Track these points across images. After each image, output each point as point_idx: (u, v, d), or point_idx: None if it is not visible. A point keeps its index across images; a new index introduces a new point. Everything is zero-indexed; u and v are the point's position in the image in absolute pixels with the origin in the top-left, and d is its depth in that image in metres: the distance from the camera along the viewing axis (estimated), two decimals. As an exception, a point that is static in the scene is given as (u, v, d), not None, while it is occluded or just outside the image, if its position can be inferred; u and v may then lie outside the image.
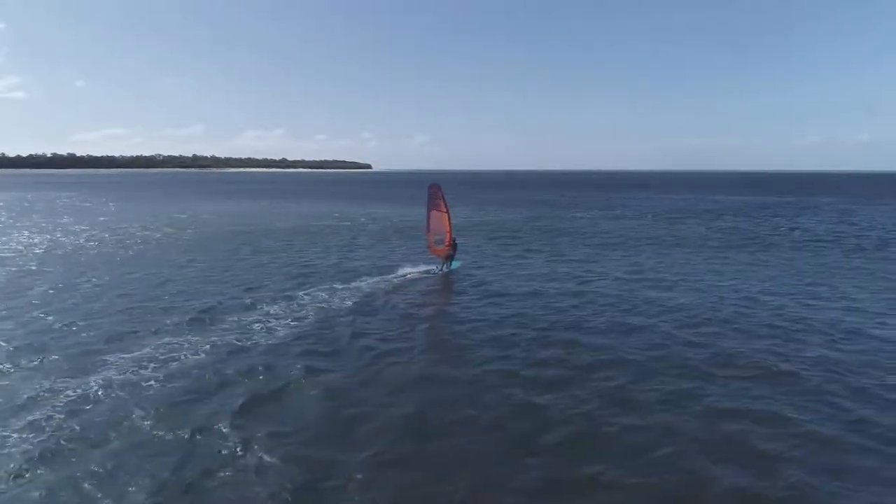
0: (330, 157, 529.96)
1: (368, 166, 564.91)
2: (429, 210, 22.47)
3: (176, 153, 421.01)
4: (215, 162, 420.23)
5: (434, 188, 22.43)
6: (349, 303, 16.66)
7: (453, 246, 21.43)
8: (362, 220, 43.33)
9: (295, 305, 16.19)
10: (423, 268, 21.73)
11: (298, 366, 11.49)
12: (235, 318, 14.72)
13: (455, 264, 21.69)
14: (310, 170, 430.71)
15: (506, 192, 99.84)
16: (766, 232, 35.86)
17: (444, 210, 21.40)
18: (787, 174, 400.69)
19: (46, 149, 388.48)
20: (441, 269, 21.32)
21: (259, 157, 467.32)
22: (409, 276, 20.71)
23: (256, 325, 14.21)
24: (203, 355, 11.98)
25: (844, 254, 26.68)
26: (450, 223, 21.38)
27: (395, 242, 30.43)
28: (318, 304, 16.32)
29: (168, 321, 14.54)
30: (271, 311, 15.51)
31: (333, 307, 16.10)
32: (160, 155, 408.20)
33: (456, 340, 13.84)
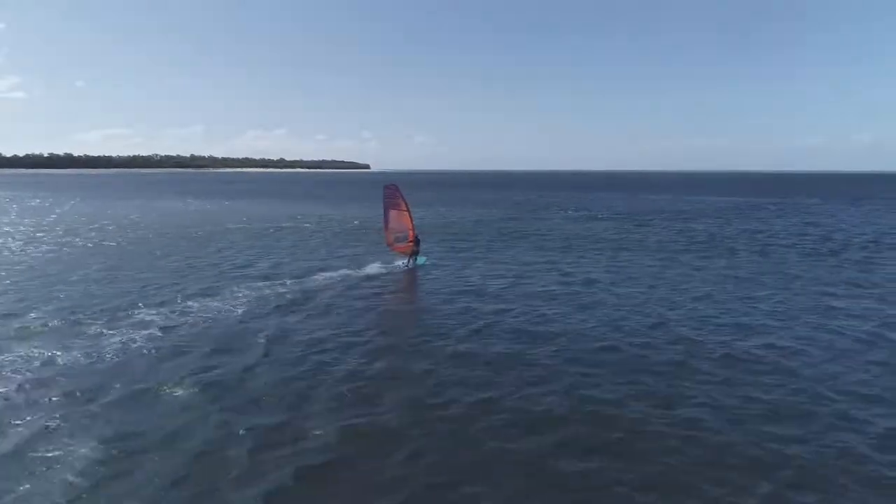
0: (330, 158, 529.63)
1: (367, 166, 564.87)
2: (387, 209, 23.64)
3: (176, 153, 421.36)
4: (213, 162, 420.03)
5: (391, 188, 23.68)
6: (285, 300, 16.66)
7: (416, 242, 22.64)
8: (331, 220, 42.72)
9: (185, 310, 15.48)
10: (375, 266, 22.50)
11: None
12: (109, 326, 13.95)
13: (421, 260, 23.02)
14: (307, 170, 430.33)
15: (491, 192, 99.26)
16: (732, 234, 35.05)
17: (405, 209, 22.75)
18: (786, 175, 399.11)
19: (47, 149, 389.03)
20: (407, 265, 22.57)
21: (257, 157, 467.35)
22: (370, 272, 21.49)
23: (142, 332, 13.49)
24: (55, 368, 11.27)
25: (796, 258, 25.85)
26: (412, 220, 22.78)
27: (355, 243, 29.76)
28: (211, 311, 15.61)
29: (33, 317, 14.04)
30: (156, 318, 14.78)
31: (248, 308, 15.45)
32: (157, 155, 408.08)
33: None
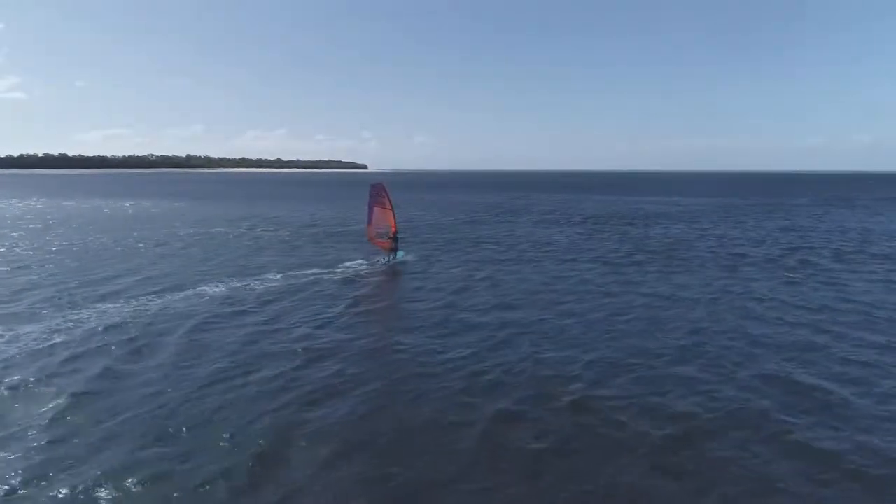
0: (329, 158, 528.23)
1: (364, 166, 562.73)
2: (371, 206, 24.84)
3: (175, 153, 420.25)
4: (208, 162, 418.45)
5: (378, 187, 24.76)
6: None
7: (395, 238, 23.67)
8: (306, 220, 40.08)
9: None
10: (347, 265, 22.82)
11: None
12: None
13: (400, 255, 23.94)
14: (304, 170, 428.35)
15: (475, 194, 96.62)
16: (687, 239, 32.33)
17: (389, 207, 23.71)
18: (784, 174, 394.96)
19: (47, 149, 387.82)
20: (388, 260, 23.58)
21: (254, 157, 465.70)
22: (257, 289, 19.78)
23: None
24: None
25: (716, 270, 23.09)
26: (394, 218, 23.75)
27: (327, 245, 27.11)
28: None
29: None
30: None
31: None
32: (153, 155, 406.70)
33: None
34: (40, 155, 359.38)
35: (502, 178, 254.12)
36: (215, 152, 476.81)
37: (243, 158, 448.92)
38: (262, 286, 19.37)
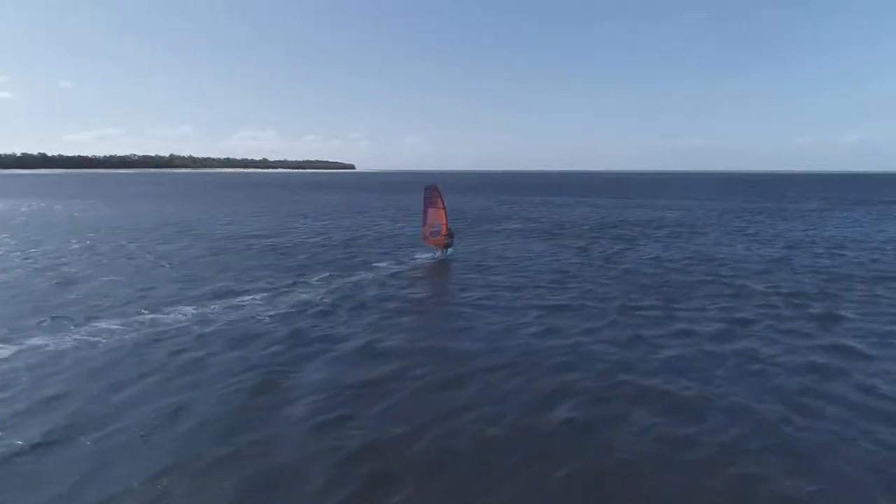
0: (320, 158, 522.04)
1: (352, 167, 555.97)
2: (426, 207, 25.65)
3: (162, 153, 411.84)
4: (192, 162, 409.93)
5: (431, 188, 25.60)
6: None
7: (450, 234, 24.84)
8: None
9: None
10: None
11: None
12: None
13: (450, 252, 24.96)
14: (289, 170, 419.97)
15: (456, 196, 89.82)
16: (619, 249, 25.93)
17: (441, 206, 24.67)
18: (769, 175, 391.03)
19: (37, 149, 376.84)
20: (438, 255, 24.79)
21: (244, 157, 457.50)
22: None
23: None
24: None
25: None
26: (446, 216, 24.81)
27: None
28: None
29: None
30: None
31: None
32: (135, 155, 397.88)
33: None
34: (18, 154, 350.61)
35: (493, 178, 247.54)
36: (205, 152, 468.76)
37: (227, 158, 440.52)
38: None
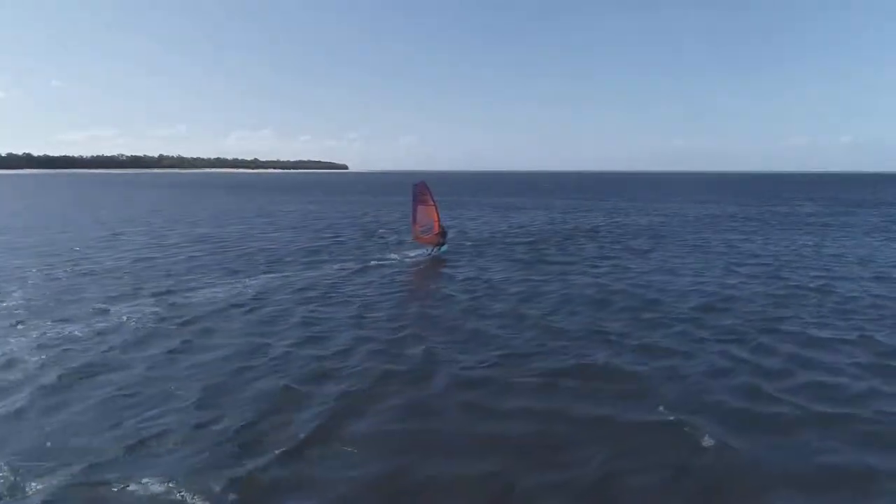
0: (314, 158, 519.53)
1: (345, 167, 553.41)
2: (415, 204, 24.69)
3: (153, 154, 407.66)
4: (181, 162, 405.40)
5: (420, 185, 24.64)
6: None
7: (443, 233, 23.80)
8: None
9: None
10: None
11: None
12: None
13: (443, 249, 24.16)
14: (281, 171, 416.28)
15: (445, 198, 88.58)
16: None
17: (432, 203, 23.69)
18: (762, 175, 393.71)
19: (27, 149, 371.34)
20: (431, 253, 23.69)
21: (238, 157, 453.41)
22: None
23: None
24: None
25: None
26: (437, 214, 23.70)
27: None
28: None
29: None
30: None
31: None
32: (122, 155, 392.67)
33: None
34: (3, 155, 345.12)
35: (485, 178, 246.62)
36: (199, 153, 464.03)
37: (218, 158, 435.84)
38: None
